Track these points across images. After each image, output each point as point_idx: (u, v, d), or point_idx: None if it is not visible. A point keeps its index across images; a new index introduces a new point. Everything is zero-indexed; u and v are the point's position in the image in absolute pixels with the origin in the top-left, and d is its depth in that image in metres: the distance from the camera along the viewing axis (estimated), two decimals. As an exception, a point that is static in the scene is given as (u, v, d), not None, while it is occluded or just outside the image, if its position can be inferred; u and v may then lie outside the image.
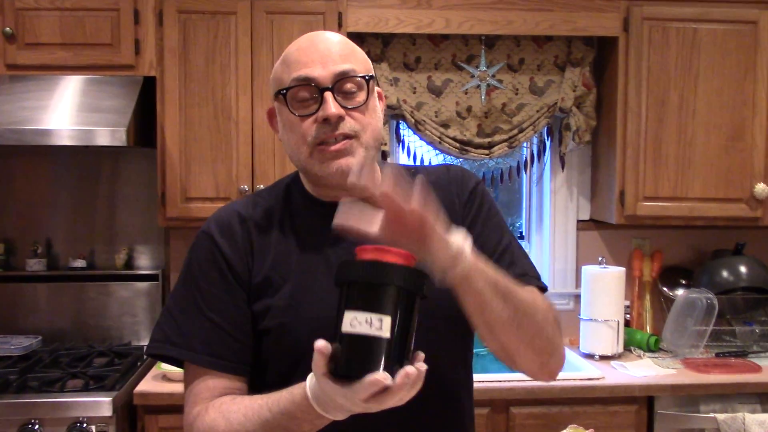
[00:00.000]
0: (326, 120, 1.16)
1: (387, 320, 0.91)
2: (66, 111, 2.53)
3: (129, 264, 2.98)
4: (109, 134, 2.46)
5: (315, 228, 1.25)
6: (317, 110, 1.17)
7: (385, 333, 0.91)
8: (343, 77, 1.18)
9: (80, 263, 2.93)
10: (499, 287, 1.11)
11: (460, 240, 1.04)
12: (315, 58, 1.19)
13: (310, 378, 0.99)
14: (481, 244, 1.21)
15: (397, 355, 0.92)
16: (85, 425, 2.21)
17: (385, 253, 0.95)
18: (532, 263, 1.33)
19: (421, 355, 0.96)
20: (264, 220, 1.27)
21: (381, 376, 0.90)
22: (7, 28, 2.54)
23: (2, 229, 2.96)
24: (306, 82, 1.18)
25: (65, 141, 2.46)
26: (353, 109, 1.19)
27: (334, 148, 1.17)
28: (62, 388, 2.30)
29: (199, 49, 2.64)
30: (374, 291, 0.93)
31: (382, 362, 0.91)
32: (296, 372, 1.08)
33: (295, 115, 1.19)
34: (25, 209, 2.96)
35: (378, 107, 1.25)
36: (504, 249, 1.29)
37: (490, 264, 1.11)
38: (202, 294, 1.23)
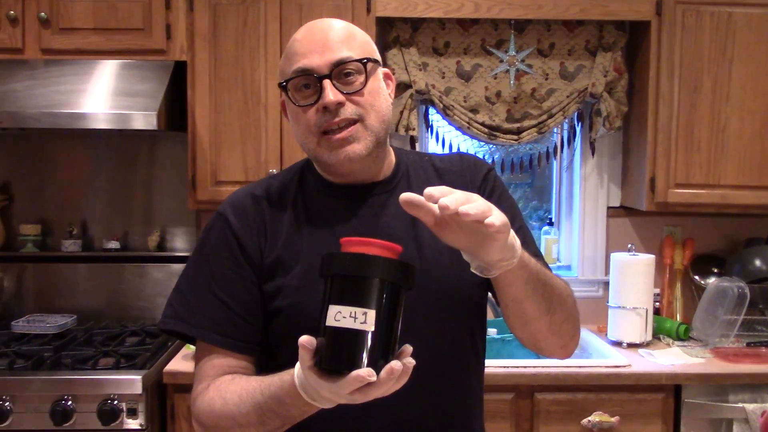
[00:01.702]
0: (326, 108, 1.18)
1: (371, 314, 0.90)
2: (99, 95, 2.58)
3: (161, 246, 3.04)
4: (140, 118, 2.50)
5: (327, 209, 1.27)
6: (318, 99, 1.19)
7: (370, 327, 0.90)
8: (340, 64, 1.19)
9: (114, 245, 2.99)
10: (540, 278, 1.14)
11: (513, 234, 1.04)
12: (313, 48, 1.20)
13: (298, 367, 1.00)
14: None
15: (382, 350, 0.92)
16: (115, 402, 2.27)
17: (370, 245, 0.94)
18: (537, 247, 1.35)
19: (409, 348, 0.96)
20: (277, 201, 1.29)
21: (365, 372, 0.90)
22: (42, 14, 2.60)
23: (39, 211, 3.03)
24: (304, 72, 1.19)
25: (98, 124, 2.51)
26: (353, 93, 1.20)
27: (338, 136, 1.19)
28: (94, 366, 2.36)
29: (229, 34, 2.66)
30: (358, 284, 0.92)
31: (366, 357, 0.90)
32: None
33: (297, 105, 1.21)
34: (61, 191, 3.03)
35: (382, 89, 1.26)
36: (517, 230, 1.28)
37: (533, 258, 1.13)
38: (213, 273, 1.25)
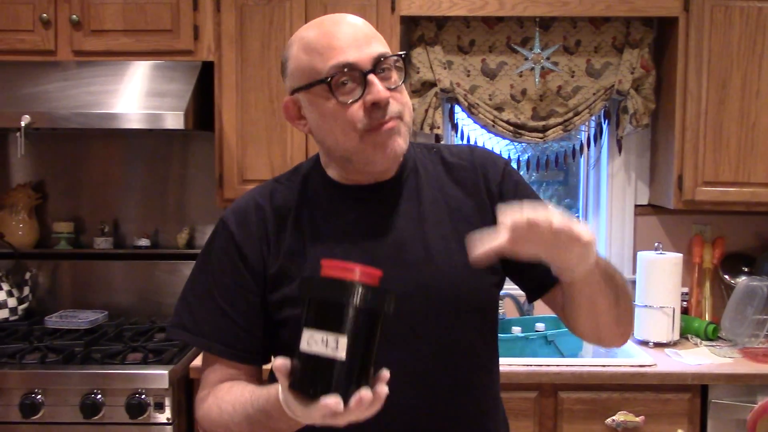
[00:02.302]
0: (375, 104, 1.14)
1: (343, 340, 0.89)
2: (129, 95, 2.62)
3: (190, 243, 3.08)
4: (168, 118, 2.54)
5: (334, 213, 1.25)
6: (362, 95, 1.15)
7: (341, 354, 0.89)
8: (382, 58, 1.16)
9: (144, 242, 3.05)
10: (608, 272, 1.15)
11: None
12: (349, 42, 1.16)
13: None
14: None
15: (354, 377, 0.90)
16: (143, 396, 2.32)
17: (347, 270, 0.91)
18: None
19: (386, 374, 0.94)
20: (280, 208, 1.26)
21: (332, 401, 0.89)
22: (74, 16, 2.66)
23: (73, 209, 3.10)
24: (348, 67, 1.14)
25: (128, 124, 2.55)
26: (393, 89, 1.18)
27: (386, 126, 1.15)
28: (123, 361, 2.41)
29: (255, 35, 2.69)
30: (332, 310, 0.90)
31: (336, 384, 0.89)
32: None
33: (341, 103, 1.15)
34: (94, 190, 3.09)
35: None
36: None
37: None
38: (215, 282, 1.25)
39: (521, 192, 1.30)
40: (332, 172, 1.28)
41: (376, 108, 1.15)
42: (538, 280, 1.29)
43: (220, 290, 1.24)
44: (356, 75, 1.15)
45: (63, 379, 2.33)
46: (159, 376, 2.33)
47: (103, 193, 3.10)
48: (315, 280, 0.93)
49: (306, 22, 2.72)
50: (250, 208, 1.27)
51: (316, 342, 0.90)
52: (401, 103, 1.18)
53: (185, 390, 2.46)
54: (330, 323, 0.90)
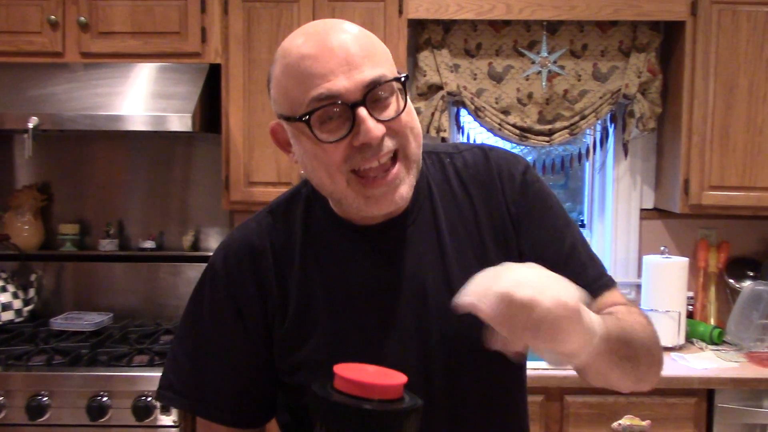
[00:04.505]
0: (364, 144, 0.96)
1: None
2: (136, 97, 2.63)
3: (195, 246, 3.08)
4: (176, 120, 2.54)
5: (342, 257, 1.08)
6: (349, 132, 0.96)
7: None
8: (374, 86, 0.96)
9: (150, 244, 3.05)
10: (622, 339, 0.96)
11: (585, 310, 0.87)
12: (334, 67, 0.95)
13: None
14: (542, 247, 1.11)
15: None
16: (150, 399, 2.31)
17: (368, 390, 0.83)
18: (594, 254, 1.17)
19: None
20: (281, 251, 1.09)
21: None
22: (82, 18, 2.66)
23: (78, 211, 3.10)
24: (331, 100, 0.95)
25: (135, 126, 2.56)
26: (391, 120, 0.98)
27: (382, 184, 0.98)
28: (129, 363, 2.41)
29: (263, 37, 2.70)
30: None
31: None
32: None
33: (323, 142, 0.97)
34: (99, 192, 3.09)
35: (411, 103, 1.03)
36: (569, 252, 1.12)
37: (610, 318, 0.97)
38: (207, 338, 1.11)
39: (538, 209, 1.13)
40: (335, 206, 1.10)
41: (367, 147, 0.96)
42: None
43: (212, 347, 1.10)
44: (343, 108, 0.95)
45: (69, 382, 2.33)
46: (165, 378, 2.32)
47: (108, 194, 3.10)
48: (330, 404, 0.84)
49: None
50: (244, 252, 1.10)
51: None
52: (401, 134, 0.99)
53: (191, 392, 2.46)
54: None
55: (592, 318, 0.88)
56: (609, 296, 1.13)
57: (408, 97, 1.02)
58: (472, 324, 0.97)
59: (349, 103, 0.95)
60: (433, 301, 1.07)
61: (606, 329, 0.91)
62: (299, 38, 0.99)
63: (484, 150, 1.17)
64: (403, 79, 1.00)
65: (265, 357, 1.10)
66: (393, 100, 0.99)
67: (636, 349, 1.00)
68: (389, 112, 0.98)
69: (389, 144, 0.97)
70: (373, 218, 1.07)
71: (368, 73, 0.96)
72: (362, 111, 0.95)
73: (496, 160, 1.15)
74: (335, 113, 0.96)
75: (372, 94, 0.96)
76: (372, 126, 0.95)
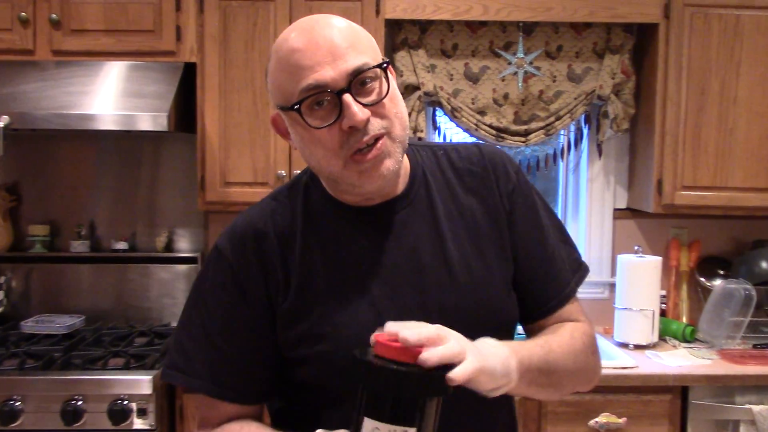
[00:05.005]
0: (352, 127, 1.04)
1: (411, 431, 0.88)
2: (109, 96, 2.59)
3: (169, 247, 3.04)
4: (150, 119, 2.51)
5: (341, 237, 1.15)
6: (339, 117, 1.04)
7: None
8: (358, 73, 1.04)
9: (122, 245, 3.00)
10: (544, 369, 1.09)
11: (503, 359, 0.99)
12: (320, 58, 1.03)
13: None
14: (525, 246, 1.20)
15: None
16: (125, 402, 2.28)
17: (409, 355, 0.88)
18: (573, 248, 1.28)
19: None
20: (283, 234, 1.15)
21: None
22: (54, 15, 2.61)
23: (48, 212, 3.03)
24: (318, 90, 1.03)
25: (108, 126, 2.52)
26: (375, 104, 1.06)
27: (370, 156, 1.05)
28: (104, 366, 2.37)
29: (239, 36, 2.67)
30: (400, 404, 0.88)
31: None
32: (347, 393, 0.97)
33: (315, 128, 1.05)
34: (69, 192, 3.04)
35: (397, 90, 1.11)
36: (550, 257, 1.22)
37: (530, 348, 1.08)
38: (211, 318, 1.15)
39: (525, 210, 1.22)
40: (331, 189, 1.18)
41: (355, 130, 1.04)
42: (524, 310, 1.23)
43: (217, 327, 1.14)
44: (330, 96, 1.04)
45: (43, 386, 2.29)
46: (142, 381, 2.29)
47: (79, 195, 3.04)
48: (378, 371, 0.88)
49: (290, 24, 2.72)
50: (248, 235, 1.15)
51: None
52: (387, 118, 1.06)
53: (168, 396, 2.43)
54: (398, 416, 0.87)
55: (508, 364, 0.99)
56: (565, 310, 1.23)
57: (394, 83, 1.10)
58: (470, 298, 1.14)
59: (336, 91, 1.03)
60: (430, 279, 1.14)
61: (527, 362, 1.04)
62: (291, 33, 1.08)
63: (478, 145, 1.26)
64: (385, 65, 1.08)
65: (268, 336, 1.14)
66: (376, 85, 1.07)
67: (559, 376, 1.13)
68: (373, 97, 1.06)
69: (375, 125, 1.05)
70: (369, 200, 1.14)
71: (352, 62, 1.04)
72: (347, 97, 1.03)
73: (490, 155, 1.24)
74: (325, 101, 1.04)
75: (356, 81, 1.04)
76: (357, 110, 1.03)
